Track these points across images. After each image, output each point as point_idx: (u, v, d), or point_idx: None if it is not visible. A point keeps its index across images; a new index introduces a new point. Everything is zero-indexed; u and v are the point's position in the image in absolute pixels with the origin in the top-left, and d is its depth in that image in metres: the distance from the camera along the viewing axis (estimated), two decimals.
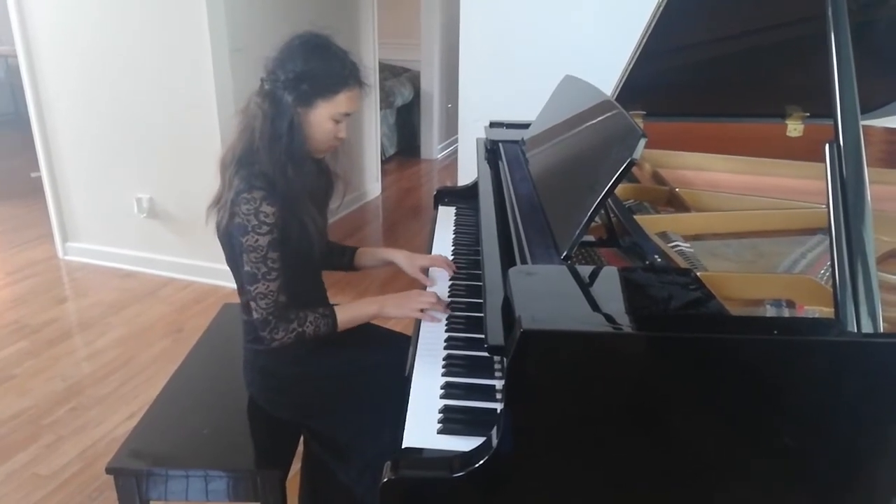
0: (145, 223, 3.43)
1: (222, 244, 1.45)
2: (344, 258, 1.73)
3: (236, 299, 1.53)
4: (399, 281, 2.97)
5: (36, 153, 3.50)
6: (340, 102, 1.39)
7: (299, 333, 1.38)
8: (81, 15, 3.14)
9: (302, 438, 1.61)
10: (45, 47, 3.28)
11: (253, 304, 1.37)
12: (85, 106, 3.32)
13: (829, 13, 0.94)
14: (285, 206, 1.36)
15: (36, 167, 3.62)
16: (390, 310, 1.45)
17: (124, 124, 3.27)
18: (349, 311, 1.45)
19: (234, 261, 1.42)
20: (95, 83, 3.25)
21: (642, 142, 1.02)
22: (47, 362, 2.66)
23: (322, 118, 1.39)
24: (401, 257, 1.67)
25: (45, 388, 2.49)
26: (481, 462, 0.87)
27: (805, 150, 1.79)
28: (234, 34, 3.04)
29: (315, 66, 1.36)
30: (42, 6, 3.20)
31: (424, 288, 1.55)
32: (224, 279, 3.24)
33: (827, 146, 0.89)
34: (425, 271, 1.63)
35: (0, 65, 6.75)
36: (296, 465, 1.63)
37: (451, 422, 1.04)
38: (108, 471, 1.39)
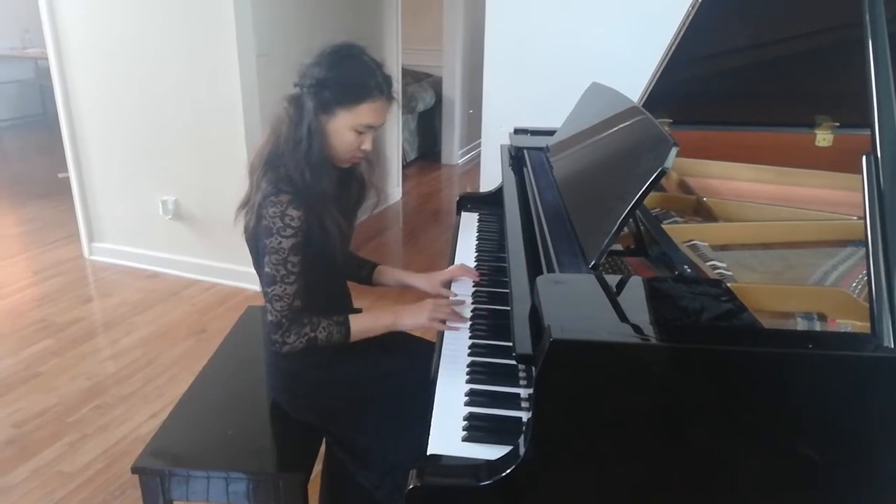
0: (170, 225, 3.47)
1: (249, 246, 1.47)
2: (362, 271, 1.72)
3: (259, 301, 1.53)
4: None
5: (64, 154, 3.56)
6: (362, 113, 1.38)
7: (311, 339, 1.37)
8: (111, 19, 3.20)
9: (323, 442, 1.61)
10: (75, 50, 3.34)
11: (268, 306, 1.38)
12: (113, 108, 3.37)
13: (867, 20, 0.93)
14: (309, 210, 1.36)
15: (64, 168, 3.68)
16: (405, 320, 1.43)
17: (151, 127, 3.32)
18: (363, 321, 1.44)
19: (259, 263, 1.43)
20: (124, 86, 3.30)
21: (674, 151, 1.01)
22: (72, 360, 2.70)
23: (342, 127, 1.39)
24: (419, 281, 1.66)
25: (70, 386, 2.52)
26: (508, 471, 0.86)
27: (833, 161, 1.76)
28: (260, 39, 3.07)
29: (339, 74, 1.36)
30: (72, 11, 3.26)
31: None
32: (247, 281, 3.27)
33: (864, 157, 0.87)
34: (447, 285, 1.62)
35: (30, 66, 6.89)
36: (316, 468, 1.63)
37: (476, 429, 1.04)
38: (134, 470, 1.40)
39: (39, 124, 6.97)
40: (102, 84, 3.34)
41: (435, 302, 1.44)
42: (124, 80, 3.28)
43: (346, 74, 1.37)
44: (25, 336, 2.88)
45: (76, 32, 3.30)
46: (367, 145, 1.43)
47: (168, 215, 3.44)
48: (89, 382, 2.55)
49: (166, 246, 3.53)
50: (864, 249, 0.88)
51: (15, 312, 3.09)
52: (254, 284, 1.45)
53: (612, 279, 1.02)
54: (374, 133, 1.44)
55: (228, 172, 3.14)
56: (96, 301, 3.27)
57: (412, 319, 1.43)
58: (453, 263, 1.71)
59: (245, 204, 1.45)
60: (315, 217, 1.38)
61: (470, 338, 1.34)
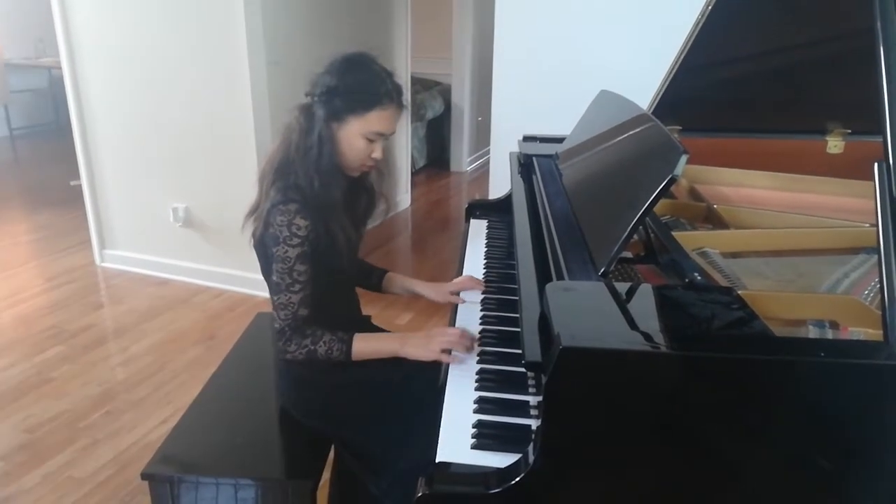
0: (181, 232, 3.49)
1: (257, 254, 1.47)
2: (372, 278, 1.73)
3: (269, 308, 1.54)
4: None
5: (76, 162, 3.59)
6: (372, 121, 1.39)
7: (311, 351, 1.37)
8: (124, 28, 3.23)
9: (332, 448, 1.61)
10: (88, 59, 3.37)
11: (274, 314, 1.39)
12: (125, 116, 3.40)
13: (878, 28, 0.93)
14: (316, 218, 1.37)
15: (76, 175, 3.71)
16: (410, 349, 1.38)
17: (162, 135, 3.34)
18: (368, 342, 1.41)
19: (267, 270, 1.44)
20: (136, 94, 3.33)
21: (684, 158, 1.00)
22: (83, 367, 2.72)
23: (352, 135, 1.40)
24: (427, 290, 1.66)
25: (81, 392, 2.54)
26: (518, 479, 0.86)
27: (844, 168, 1.75)
28: (271, 47, 3.09)
29: (348, 81, 1.37)
30: (86, 20, 3.30)
31: (456, 307, 1.54)
32: (256, 288, 3.28)
33: (876, 164, 0.87)
34: (456, 294, 1.62)
35: (43, 75, 6.96)
36: (325, 475, 1.63)
37: (485, 437, 1.04)
38: (144, 476, 1.41)
39: (52, 133, 7.03)
40: (115, 92, 3.37)
41: (444, 330, 1.37)
42: (136, 88, 3.31)
43: (356, 82, 1.38)
44: (37, 342, 2.90)
45: (89, 41, 3.33)
46: (377, 153, 1.44)
47: (179, 222, 3.46)
48: (100, 388, 2.56)
49: (177, 253, 3.55)
50: (876, 257, 0.87)
51: (27, 319, 3.12)
52: (263, 291, 1.46)
53: (622, 287, 1.02)
54: (384, 141, 1.44)
55: (239, 179, 3.15)
56: (107, 308, 3.29)
57: (418, 349, 1.36)
58: (462, 271, 1.72)
59: (254, 211, 1.46)
60: (322, 225, 1.38)
61: (479, 345, 1.34)
